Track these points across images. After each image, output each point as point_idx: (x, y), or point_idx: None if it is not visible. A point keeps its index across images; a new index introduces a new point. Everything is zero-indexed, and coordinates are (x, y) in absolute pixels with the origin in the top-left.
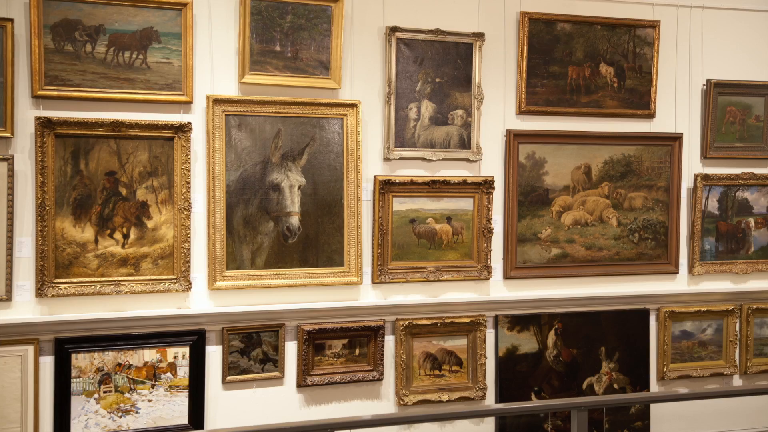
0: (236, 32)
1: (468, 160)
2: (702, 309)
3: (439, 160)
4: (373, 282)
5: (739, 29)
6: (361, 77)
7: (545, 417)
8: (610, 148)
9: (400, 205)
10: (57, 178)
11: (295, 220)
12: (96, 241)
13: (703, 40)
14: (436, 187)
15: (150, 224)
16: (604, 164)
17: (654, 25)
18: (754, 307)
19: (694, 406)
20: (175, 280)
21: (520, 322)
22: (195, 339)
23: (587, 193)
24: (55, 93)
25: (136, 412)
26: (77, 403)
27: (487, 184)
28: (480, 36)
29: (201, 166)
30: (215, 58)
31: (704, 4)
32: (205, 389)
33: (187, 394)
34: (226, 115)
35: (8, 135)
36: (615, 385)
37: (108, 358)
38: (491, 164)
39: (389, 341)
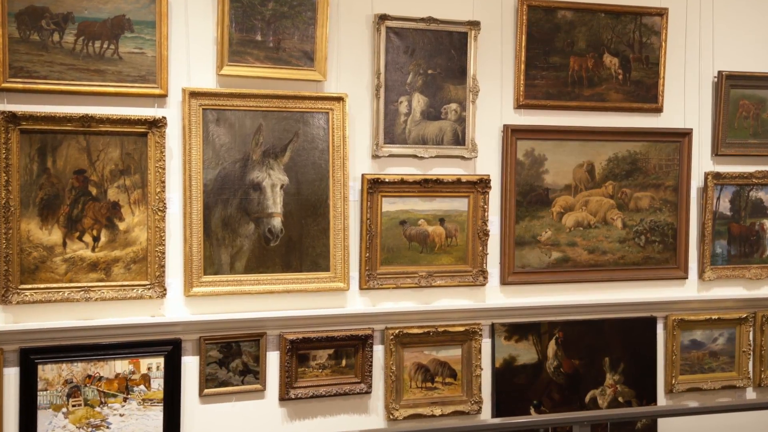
0: (214, 20)
1: (462, 158)
2: (713, 317)
3: (431, 157)
4: (360, 288)
5: (752, 17)
6: (347, 69)
7: None
8: (615, 145)
9: (390, 205)
10: (22, 176)
11: (277, 222)
12: (64, 244)
13: (714, 29)
14: (429, 187)
15: (122, 226)
16: (608, 162)
17: (661, 12)
18: None
19: (704, 421)
20: (149, 286)
21: (518, 330)
22: (170, 349)
23: (590, 192)
24: (20, 86)
25: (107, 428)
26: (44, 418)
27: (483, 183)
28: (475, 24)
29: (176, 164)
30: (192, 48)
31: None
32: (181, 403)
33: (161, 407)
34: (203, 109)
35: None
36: (620, 398)
37: (77, 369)
38: (487, 162)
39: (378, 351)
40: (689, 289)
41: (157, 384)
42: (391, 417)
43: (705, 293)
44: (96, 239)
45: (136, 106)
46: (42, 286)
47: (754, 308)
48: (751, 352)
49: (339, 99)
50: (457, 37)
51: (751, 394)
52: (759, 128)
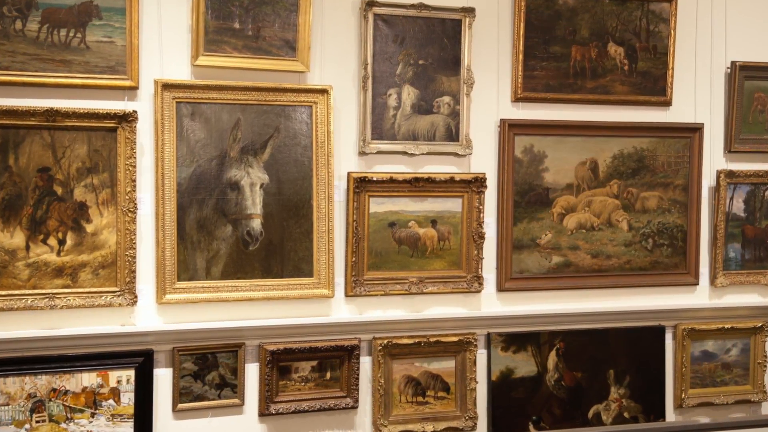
0: (189, 7)
1: (456, 155)
2: (726, 326)
3: (422, 154)
4: (346, 295)
5: None
6: (332, 59)
7: None
8: (620, 141)
9: (378, 206)
10: None
11: (256, 224)
12: (27, 248)
13: (726, 16)
14: (420, 186)
15: (89, 228)
16: (613, 159)
17: None
18: None
19: None
20: (119, 293)
21: (516, 341)
22: (141, 361)
23: (593, 192)
24: None
25: None
26: None
27: (478, 182)
28: (470, 11)
29: (148, 162)
30: (165, 36)
31: None
32: (153, 419)
33: (132, 424)
34: (177, 102)
35: None
36: (625, 414)
37: (41, 382)
38: (483, 159)
39: (365, 363)
40: (700, 296)
41: (128, 398)
42: None
43: (717, 300)
44: (61, 242)
45: (105, 99)
46: (3, 293)
47: None
48: (767, 364)
49: (323, 91)
50: (450, 24)
51: (766, 409)
52: None
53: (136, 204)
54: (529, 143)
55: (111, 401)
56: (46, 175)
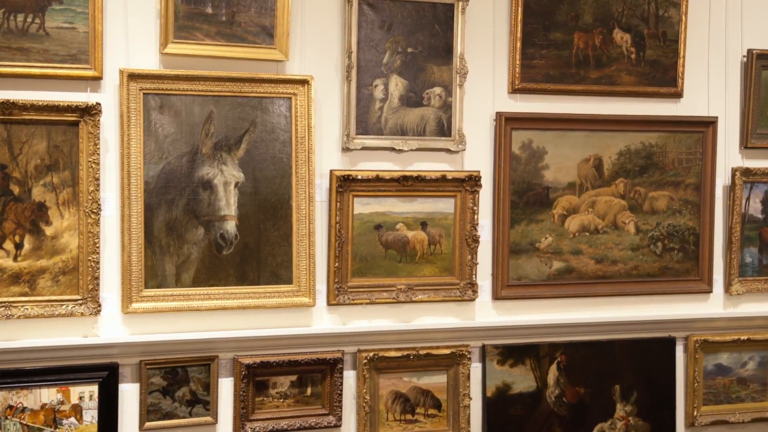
0: None
1: (448, 151)
2: (741, 337)
3: (411, 150)
4: (328, 303)
5: None
6: (313, 47)
7: None
8: (627, 136)
9: (363, 206)
10: None
11: (230, 226)
12: None
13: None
14: (408, 185)
15: (49, 231)
16: (619, 156)
17: None
18: None
19: None
20: (81, 302)
21: (513, 353)
22: (105, 375)
23: (598, 192)
24: None
25: None
26: None
27: (472, 181)
28: None
29: (113, 159)
30: (131, 22)
31: None
32: None
33: None
34: (144, 94)
35: None
36: None
37: None
38: (477, 156)
39: (349, 378)
40: (714, 305)
41: (90, 416)
42: None
43: (732, 310)
44: (18, 246)
45: (66, 91)
46: None
47: None
48: None
49: (303, 82)
50: (441, 9)
51: None
52: None
53: (99, 205)
54: (527, 138)
55: (72, 419)
56: (1, 173)
